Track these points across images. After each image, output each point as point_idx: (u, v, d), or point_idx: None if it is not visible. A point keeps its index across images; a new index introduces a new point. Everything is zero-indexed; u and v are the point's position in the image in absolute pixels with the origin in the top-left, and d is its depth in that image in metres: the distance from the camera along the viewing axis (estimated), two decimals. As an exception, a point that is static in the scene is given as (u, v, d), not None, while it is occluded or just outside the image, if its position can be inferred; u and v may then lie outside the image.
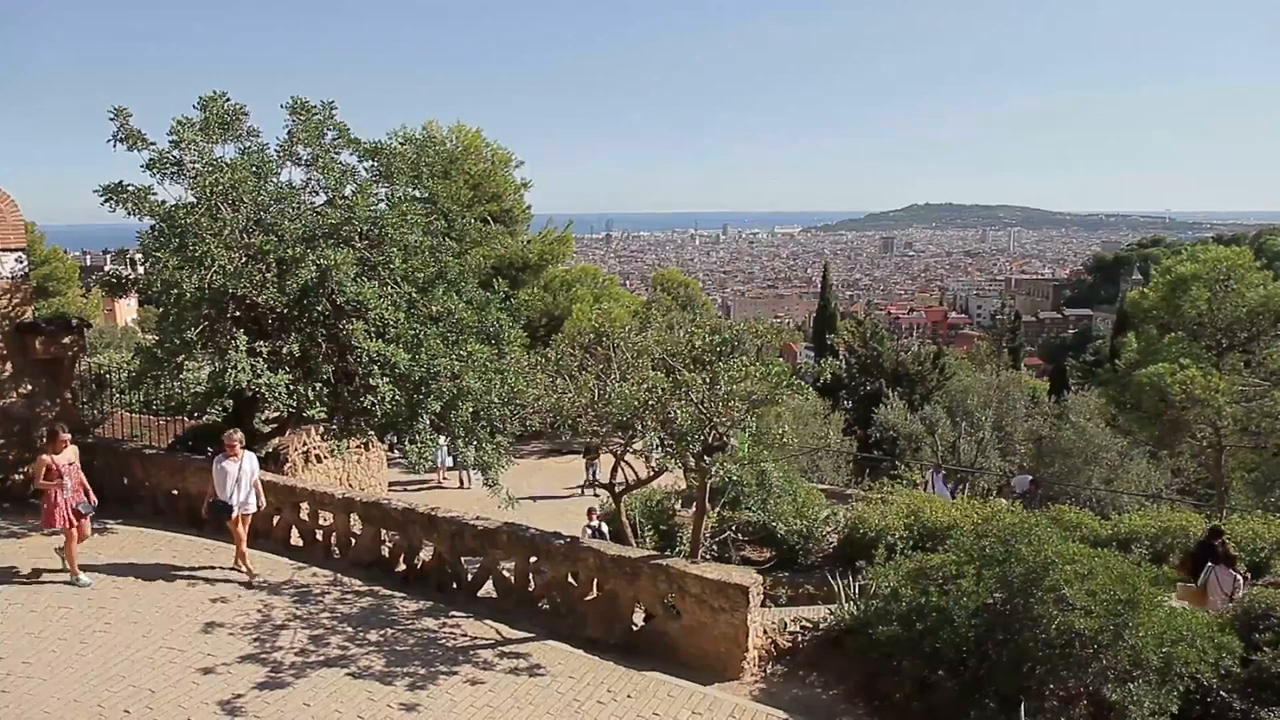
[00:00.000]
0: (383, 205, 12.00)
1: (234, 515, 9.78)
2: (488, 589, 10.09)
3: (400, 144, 12.86)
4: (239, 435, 10.01)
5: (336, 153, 12.17)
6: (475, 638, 8.83)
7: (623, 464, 10.56)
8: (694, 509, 10.26)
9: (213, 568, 10.14)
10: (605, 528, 15.42)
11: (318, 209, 11.69)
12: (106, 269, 14.56)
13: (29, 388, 12.44)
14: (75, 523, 9.25)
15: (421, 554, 10.46)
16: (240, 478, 9.81)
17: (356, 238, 11.14)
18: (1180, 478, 27.33)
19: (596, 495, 17.46)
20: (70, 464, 9.23)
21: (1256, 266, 25.83)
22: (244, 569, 9.89)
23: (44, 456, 9.18)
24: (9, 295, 12.20)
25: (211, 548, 10.74)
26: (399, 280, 11.30)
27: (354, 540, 10.76)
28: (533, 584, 9.79)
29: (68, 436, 9.45)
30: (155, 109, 12.24)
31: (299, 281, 10.58)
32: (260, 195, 11.40)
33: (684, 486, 14.58)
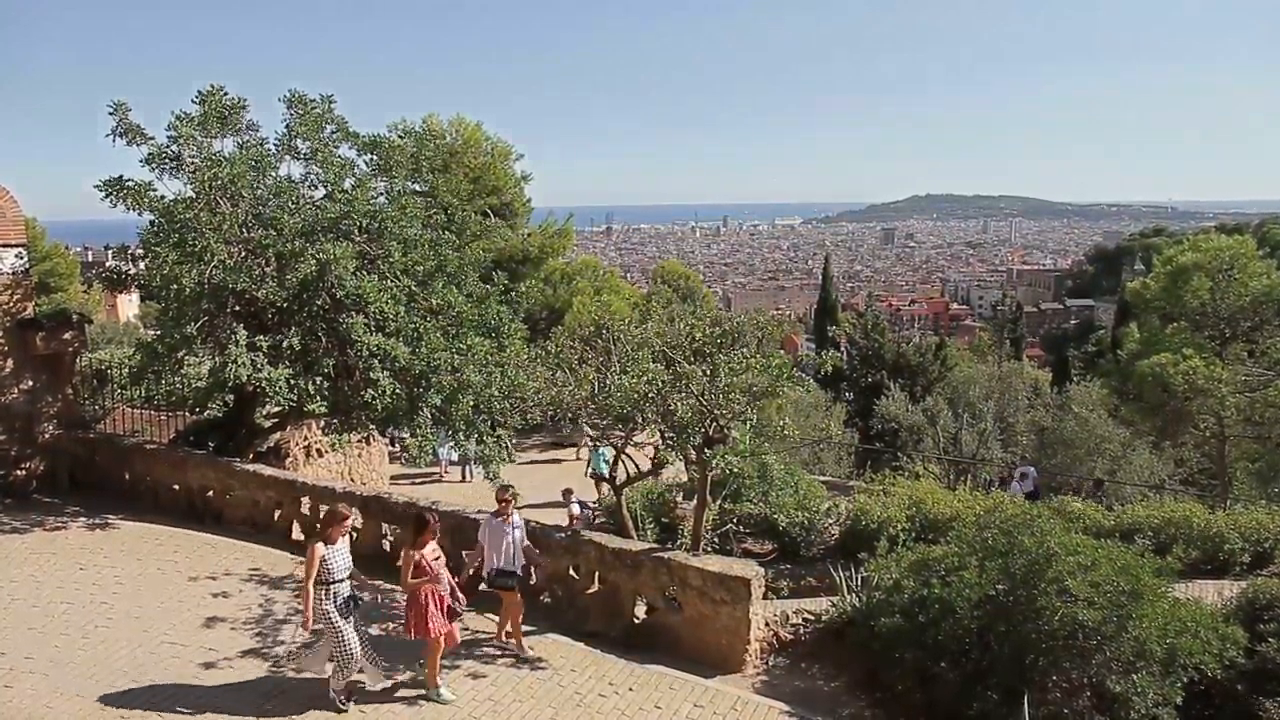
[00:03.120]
0: (382, 199, 11.96)
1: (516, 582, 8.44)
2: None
3: (400, 138, 12.80)
4: (513, 490, 8.86)
5: (335, 146, 12.12)
6: (477, 631, 8.82)
7: (624, 457, 10.55)
8: (695, 502, 10.26)
9: (226, 573, 10.14)
10: (575, 498, 15.39)
11: (317, 203, 11.65)
12: (107, 264, 14.56)
13: (30, 383, 12.44)
14: (445, 627, 7.51)
15: (423, 548, 10.44)
16: (516, 538, 8.50)
17: (356, 232, 11.10)
18: (1183, 468, 27.30)
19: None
20: (437, 558, 7.46)
21: (1259, 256, 25.76)
22: (517, 643, 8.50)
23: (410, 551, 7.36)
24: (9, 291, 12.19)
25: (213, 543, 10.75)
26: (398, 274, 11.26)
27: (355, 534, 10.74)
28: (534, 577, 9.77)
29: (438, 525, 7.75)
30: (155, 107, 12.19)
31: (298, 276, 10.56)
32: (259, 189, 11.36)
33: (685, 479, 14.57)
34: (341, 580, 7.08)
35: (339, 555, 7.11)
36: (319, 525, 7.10)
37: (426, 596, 7.25)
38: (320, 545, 7.03)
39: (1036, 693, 7.35)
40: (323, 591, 7.00)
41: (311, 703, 7.12)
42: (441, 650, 7.47)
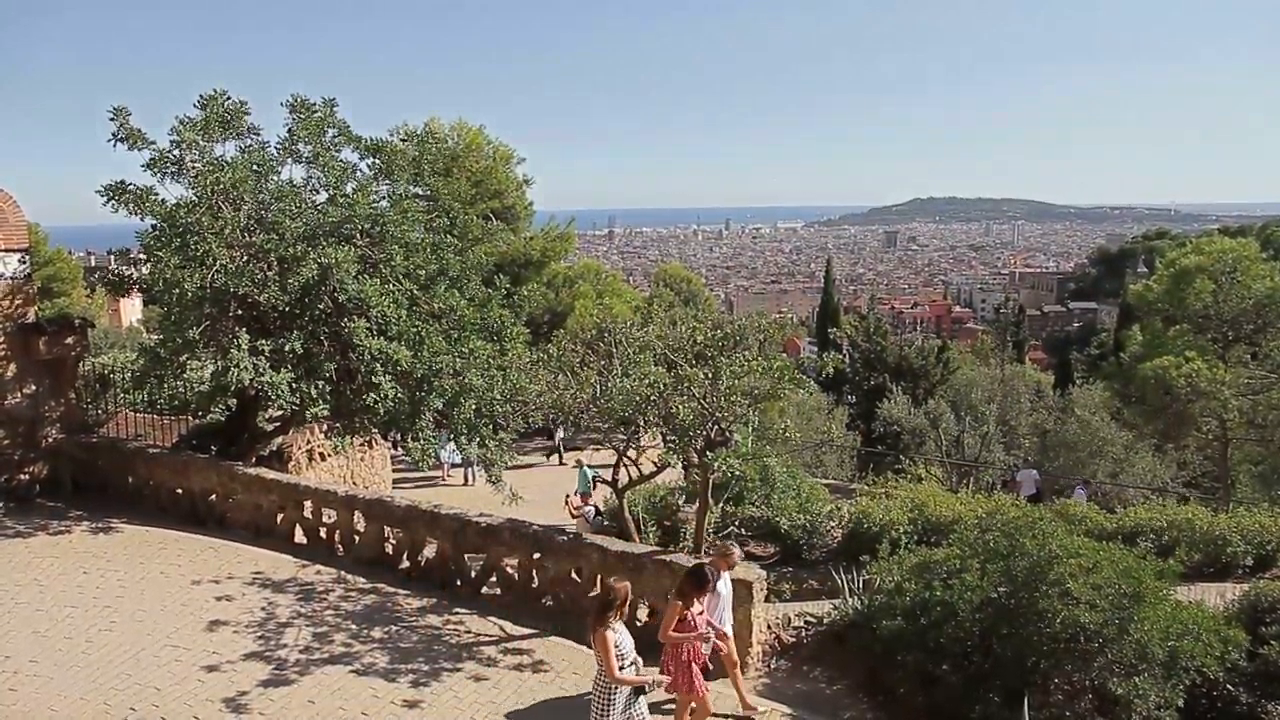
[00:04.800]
0: (384, 203, 11.97)
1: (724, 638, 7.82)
2: (491, 585, 10.10)
3: (401, 141, 12.84)
4: (738, 551, 8.18)
5: (337, 150, 12.14)
6: (479, 634, 8.83)
7: (625, 460, 10.55)
8: (697, 505, 10.27)
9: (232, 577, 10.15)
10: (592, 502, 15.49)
11: (319, 207, 11.67)
12: (110, 269, 14.65)
13: (33, 388, 12.47)
14: (706, 687, 7.10)
15: (425, 551, 10.47)
16: (726, 594, 7.93)
17: (357, 235, 11.11)
18: (1186, 471, 27.28)
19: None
20: (700, 614, 7.04)
21: (1262, 258, 25.77)
22: (748, 703, 7.84)
23: (678, 603, 6.90)
24: (12, 296, 12.22)
25: (216, 546, 10.76)
26: (400, 278, 11.28)
27: (357, 538, 10.77)
28: (536, 580, 9.79)
29: (715, 584, 7.30)
30: (157, 109, 12.23)
31: (300, 280, 10.57)
32: (261, 194, 11.38)
33: (687, 482, 14.58)
34: (629, 664, 6.34)
35: (625, 637, 6.34)
36: (600, 608, 6.39)
37: (687, 651, 6.88)
38: (609, 633, 6.20)
39: (1038, 695, 7.35)
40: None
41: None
42: (703, 711, 7.08)
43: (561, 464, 24.92)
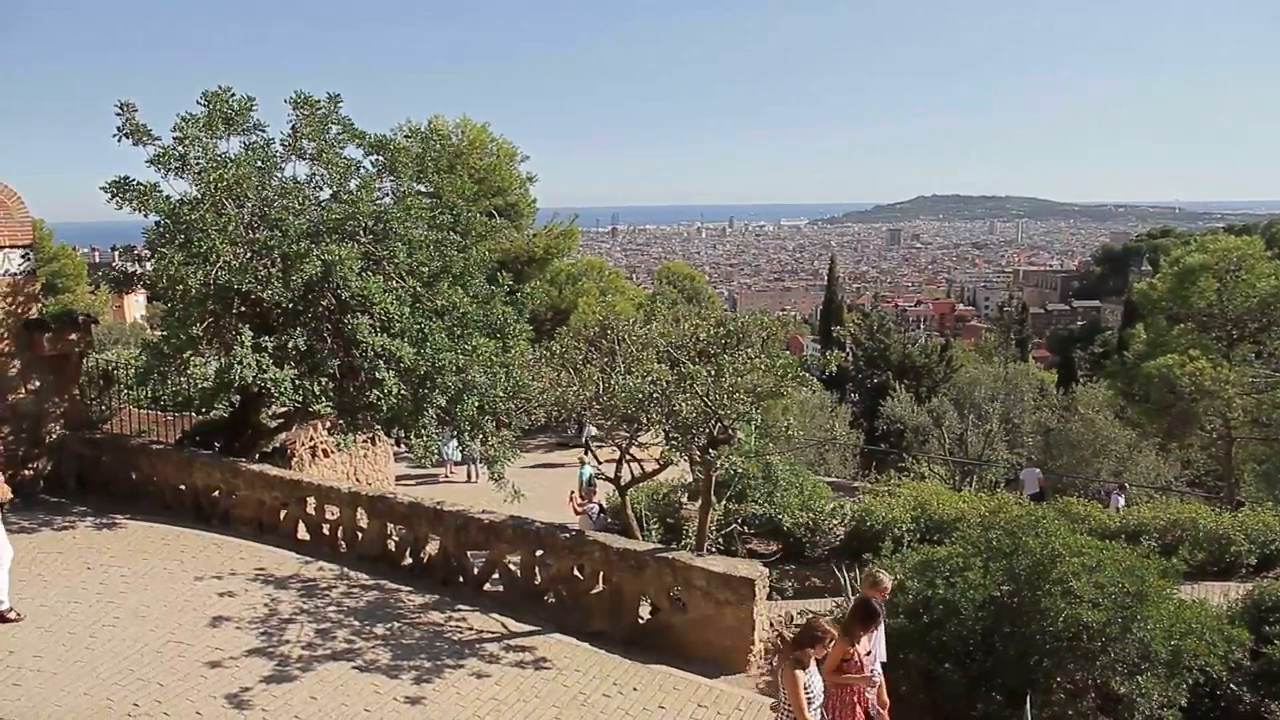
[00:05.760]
0: (387, 200, 11.98)
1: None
2: (493, 582, 10.10)
3: (405, 138, 12.83)
4: (888, 577, 7.39)
5: (341, 147, 12.14)
6: (481, 631, 8.84)
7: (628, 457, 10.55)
8: (700, 502, 10.27)
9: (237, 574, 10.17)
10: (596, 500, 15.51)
11: (322, 204, 11.68)
12: (114, 265, 14.75)
13: (37, 384, 12.49)
14: None
15: (427, 548, 10.47)
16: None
17: (361, 232, 11.12)
18: (1190, 470, 27.24)
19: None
20: (868, 654, 6.60)
21: (1267, 257, 25.67)
22: None
23: (845, 645, 6.44)
24: (16, 292, 12.24)
25: (219, 543, 10.78)
26: (404, 275, 11.28)
27: (360, 534, 10.78)
28: (538, 577, 9.79)
29: (882, 620, 6.84)
30: (162, 108, 12.23)
31: (303, 276, 10.57)
32: (264, 190, 11.39)
33: (690, 479, 14.58)
34: (818, 708, 6.04)
35: (815, 679, 6.01)
36: (796, 645, 5.96)
37: (852, 696, 6.55)
38: (800, 672, 5.84)
39: (1041, 694, 7.34)
40: None
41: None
42: None
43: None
